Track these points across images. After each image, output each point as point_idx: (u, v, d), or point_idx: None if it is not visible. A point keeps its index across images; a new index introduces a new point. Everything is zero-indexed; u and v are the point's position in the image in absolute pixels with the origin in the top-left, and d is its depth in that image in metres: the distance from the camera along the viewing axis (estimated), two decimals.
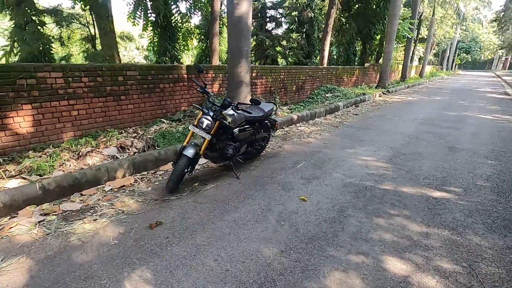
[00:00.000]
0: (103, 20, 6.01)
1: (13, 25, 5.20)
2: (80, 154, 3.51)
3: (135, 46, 20.99)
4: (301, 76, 9.68)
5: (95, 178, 3.13)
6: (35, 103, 4.03)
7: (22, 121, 3.96)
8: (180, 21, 8.49)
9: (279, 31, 11.99)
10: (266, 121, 3.93)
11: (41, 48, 5.49)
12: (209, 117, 2.99)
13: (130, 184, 3.24)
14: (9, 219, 2.50)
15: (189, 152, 2.90)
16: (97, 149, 3.70)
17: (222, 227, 2.44)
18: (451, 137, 5.47)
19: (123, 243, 2.22)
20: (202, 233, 2.36)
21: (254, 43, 10.95)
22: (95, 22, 6.34)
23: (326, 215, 2.65)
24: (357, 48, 16.40)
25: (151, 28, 7.78)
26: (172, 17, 8.25)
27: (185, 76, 5.98)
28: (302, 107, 8.60)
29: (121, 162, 3.36)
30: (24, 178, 2.95)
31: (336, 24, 12.92)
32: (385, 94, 12.47)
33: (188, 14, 8.70)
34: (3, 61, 5.30)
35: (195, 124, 3.04)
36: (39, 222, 2.46)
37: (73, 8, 6.09)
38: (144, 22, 7.33)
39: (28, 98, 3.95)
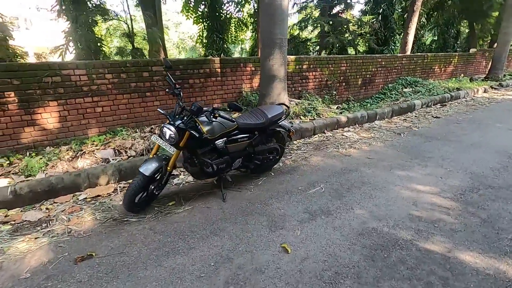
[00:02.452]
0: (150, 14, 6.08)
1: (68, 26, 5.64)
2: (77, 155, 3.41)
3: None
4: (370, 67, 8.06)
5: (74, 184, 2.93)
6: (60, 100, 4.17)
7: (49, 117, 4.14)
8: (231, 11, 8.09)
9: (349, 15, 10.25)
10: (273, 129, 3.07)
11: (92, 45, 5.84)
12: (172, 127, 2.37)
13: (107, 194, 2.93)
14: None
15: (147, 168, 2.35)
16: (97, 150, 3.56)
17: (151, 278, 1.82)
18: None
19: (33, 279, 1.85)
20: (122, 283, 1.79)
21: (314, 30, 9.62)
22: (143, 16, 6.52)
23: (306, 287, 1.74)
24: (461, 30, 12.99)
25: (200, 20, 7.61)
26: (222, 7, 7.89)
27: (219, 70, 5.49)
28: (364, 105, 7.14)
29: (105, 168, 3.09)
30: (12, 178, 2.96)
31: (429, 1, 10.35)
32: (495, 88, 9.43)
33: (242, 2, 8.15)
34: (59, 59, 5.84)
35: (159, 133, 2.47)
36: None
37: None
38: (195, 15, 7.16)
39: (54, 95, 4.10)
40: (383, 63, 8.35)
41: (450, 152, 3.87)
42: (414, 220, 2.37)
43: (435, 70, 10.24)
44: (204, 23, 8.23)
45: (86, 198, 2.85)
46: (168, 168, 2.49)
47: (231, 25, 8.93)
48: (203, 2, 7.23)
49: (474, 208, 2.53)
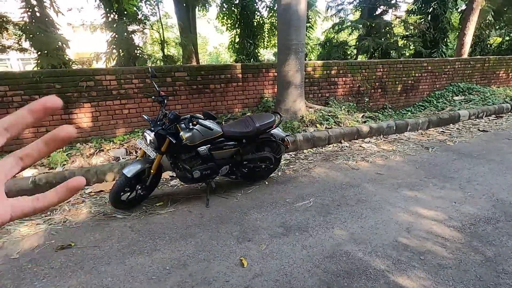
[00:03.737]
0: (185, 22, 6.47)
1: (112, 35, 6.31)
2: (95, 152, 3.80)
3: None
4: (413, 72, 7.36)
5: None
6: (93, 102, 4.70)
7: (83, 117, 4.70)
8: (263, 16, 8.07)
9: (395, 16, 9.38)
10: (264, 138, 3.00)
11: (132, 52, 6.45)
12: (151, 133, 2.49)
13: (108, 190, 3.21)
14: None
15: (129, 169, 2.52)
16: (112, 149, 3.92)
17: (109, 274, 1.95)
18: None
19: (19, 260, 2.13)
20: (83, 275, 1.96)
21: (352, 33, 9.02)
22: (177, 24, 6.97)
23: None
24: None
25: (233, 27, 7.81)
26: (255, 13, 7.96)
27: (240, 76, 5.58)
28: (401, 114, 6.54)
29: (112, 166, 3.39)
30: (38, 169, 3.43)
31: None
32: None
33: (275, 8, 8.11)
34: (103, 65, 6.56)
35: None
36: None
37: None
38: (227, 22, 7.40)
39: (88, 98, 4.64)
40: (429, 67, 7.54)
41: (481, 174, 3.33)
42: (397, 248, 2.11)
43: (500, 75, 8.87)
44: (237, 29, 8.46)
45: (91, 192, 3.17)
46: (152, 171, 2.63)
47: (264, 30, 8.99)
48: (235, 9, 7.43)
49: (481, 243, 2.14)
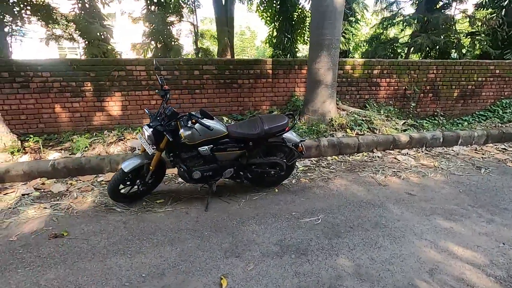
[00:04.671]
0: (222, 15, 6.35)
1: (150, 27, 6.47)
2: (115, 141, 3.88)
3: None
4: (475, 76, 6.34)
5: (98, 167, 3.35)
6: (123, 91, 4.84)
7: (114, 105, 4.87)
8: (305, 9, 7.55)
9: (461, 10, 8.06)
10: (275, 142, 2.71)
11: (169, 44, 6.56)
12: (149, 128, 2.36)
13: None
14: (22, 184, 3.11)
15: (127, 164, 2.44)
16: (132, 138, 3.96)
17: (86, 272, 1.89)
18: None
19: (15, 243, 2.18)
20: (62, 269, 1.92)
21: (404, 29, 7.99)
22: (215, 17, 6.87)
23: None
24: None
25: (271, 21, 7.46)
26: (295, 6, 7.49)
27: (270, 72, 5.31)
28: (456, 124, 5.68)
29: (125, 156, 3.41)
30: (61, 153, 3.60)
31: None
32: None
33: None
34: (142, 55, 6.77)
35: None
36: (23, 194, 2.90)
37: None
38: (267, 16, 7.12)
39: (119, 87, 4.79)
40: (497, 71, 6.43)
41: None
42: None
43: None
44: (275, 23, 8.10)
45: (102, 180, 3.21)
46: (151, 167, 2.53)
47: (305, 24, 8.47)
48: (275, 1, 7.10)
49: None
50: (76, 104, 4.68)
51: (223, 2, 6.95)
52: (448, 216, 2.53)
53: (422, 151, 4.20)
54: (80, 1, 6.10)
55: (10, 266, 1.94)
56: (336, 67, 4.32)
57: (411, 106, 6.04)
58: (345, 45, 8.44)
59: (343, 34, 8.25)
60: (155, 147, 2.47)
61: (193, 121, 2.28)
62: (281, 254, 2.05)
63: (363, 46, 9.41)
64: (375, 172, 3.46)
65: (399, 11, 8.29)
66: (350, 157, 3.96)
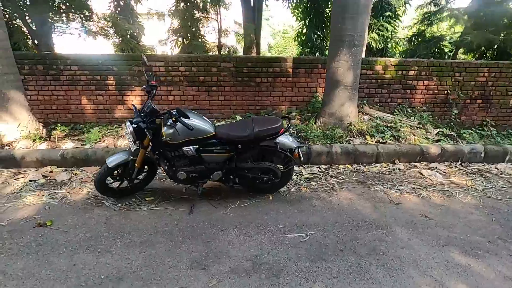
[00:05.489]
0: (249, 12, 6.21)
1: (178, 23, 6.58)
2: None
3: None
4: None
5: (103, 159, 3.40)
6: (142, 86, 4.93)
7: (134, 100, 5.02)
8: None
9: None
10: (266, 146, 2.47)
11: (195, 40, 6.63)
12: (131, 125, 2.29)
13: None
14: (33, 171, 3.30)
15: (112, 160, 2.41)
16: None
17: (51, 266, 1.87)
18: None
19: (4, 228, 2.27)
20: (31, 261, 1.94)
21: (454, 25, 6.94)
22: (242, 13, 6.72)
23: None
24: None
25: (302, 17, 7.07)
26: (328, 1, 6.97)
27: (290, 70, 5.04)
28: (506, 137, 4.85)
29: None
30: (74, 143, 3.77)
31: None
32: None
33: None
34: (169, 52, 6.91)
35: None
36: (30, 180, 3.06)
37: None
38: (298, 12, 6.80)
39: (138, 82, 4.91)
40: None
41: None
42: None
43: None
44: (306, 19, 7.66)
45: None
46: (136, 164, 2.48)
47: None
48: None
49: None
50: (100, 96, 4.91)
51: (251, 2, 6.81)
52: (467, 250, 2.08)
53: (456, 167, 3.61)
54: (116, 1, 6.42)
55: None
56: (358, 66, 3.90)
57: (453, 113, 5.30)
58: (379, 43, 7.72)
59: (377, 30, 7.57)
60: (139, 144, 2.41)
61: (173, 119, 2.16)
62: (250, 272, 1.84)
63: (403, 44, 8.53)
64: (389, 187, 3.04)
65: (448, 5, 7.31)
66: (366, 167, 3.56)
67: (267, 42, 29.27)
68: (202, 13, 6.53)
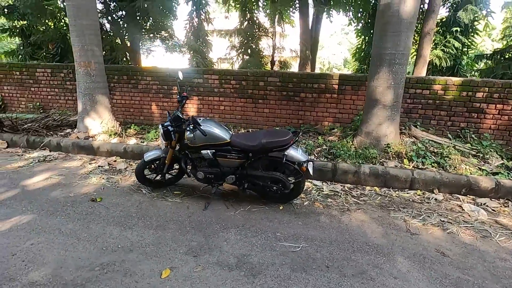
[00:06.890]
0: (306, 29, 6.36)
1: (239, 41, 7.20)
2: None
3: None
4: None
5: None
6: (199, 96, 5.65)
7: (192, 108, 5.76)
8: None
9: None
10: (274, 157, 2.62)
11: (256, 57, 7.15)
12: (161, 127, 2.74)
13: None
14: (104, 159, 4.16)
15: (148, 154, 2.92)
16: None
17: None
18: None
19: (68, 198, 2.99)
20: (77, 224, 2.53)
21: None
22: (299, 31, 6.86)
23: None
24: None
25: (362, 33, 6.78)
26: None
27: (336, 87, 5.05)
28: None
29: None
30: (136, 140, 4.57)
31: None
32: None
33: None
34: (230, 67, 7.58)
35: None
36: (99, 166, 3.88)
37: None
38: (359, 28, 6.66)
39: (196, 92, 5.63)
40: None
41: None
42: None
43: None
44: (366, 36, 7.33)
45: None
46: (166, 161, 2.94)
47: None
48: (367, 13, 6.50)
49: None
50: (165, 103, 5.79)
51: (310, 23, 6.98)
52: None
53: (510, 206, 3.07)
54: (190, 21, 7.46)
55: (49, 210, 2.69)
56: (400, 86, 3.70)
57: None
58: (445, 61, 6.81)
59: (442, 47, 6.72)
60: (168, 144, 2.87)
61: (192, 126, 2.54)
62: (233, 267, 2.04)
63: (484, 62, 7.34)
64: (414, 216, 2.81)
65: None
66: (396, 192, 3.33)
67: (344, 57, 28.63)
68: (260, 31, 7.04)
